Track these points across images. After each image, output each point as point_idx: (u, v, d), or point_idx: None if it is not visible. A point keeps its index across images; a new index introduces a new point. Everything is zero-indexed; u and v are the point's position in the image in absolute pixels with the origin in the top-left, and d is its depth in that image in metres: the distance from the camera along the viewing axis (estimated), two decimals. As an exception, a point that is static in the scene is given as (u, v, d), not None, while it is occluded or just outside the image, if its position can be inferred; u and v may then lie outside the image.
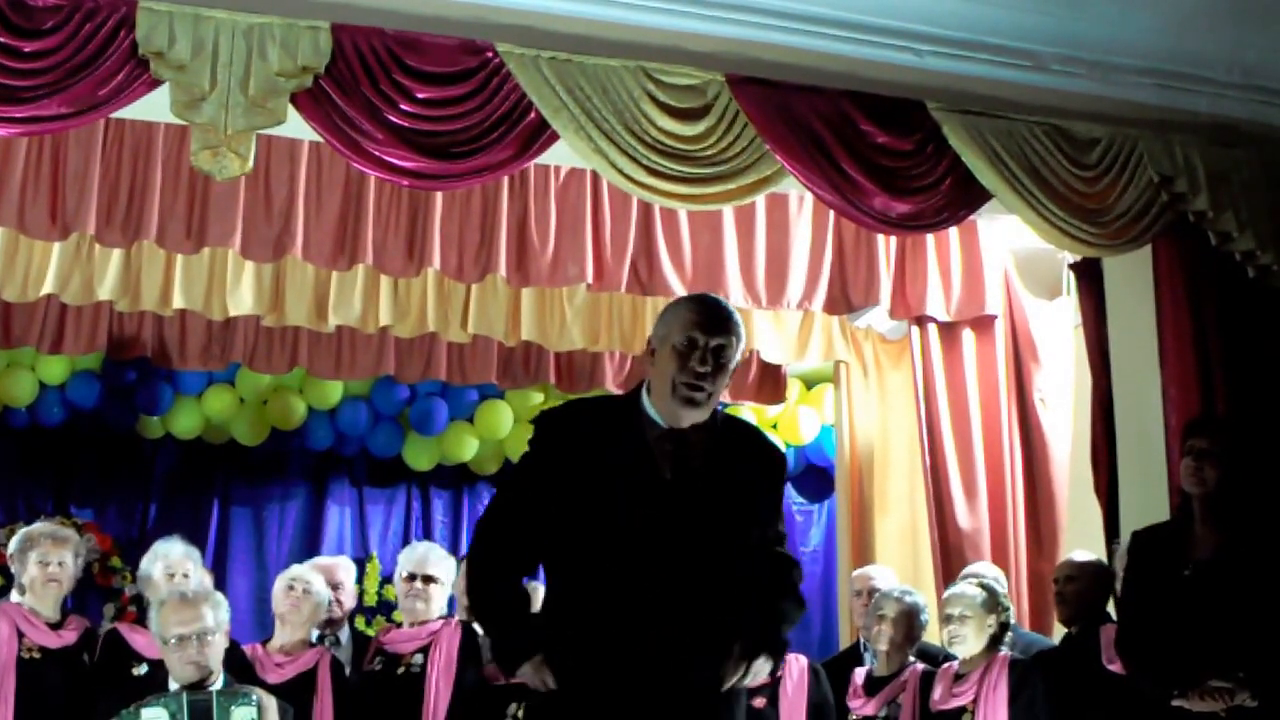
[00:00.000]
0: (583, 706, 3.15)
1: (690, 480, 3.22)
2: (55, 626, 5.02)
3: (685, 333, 3.21)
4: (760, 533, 3.32)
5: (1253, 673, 4.14)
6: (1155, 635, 4.31)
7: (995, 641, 4.98)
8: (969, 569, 5.51)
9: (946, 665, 5.09)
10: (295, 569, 5.50)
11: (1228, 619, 4.19)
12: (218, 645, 4.57)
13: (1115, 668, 4.79)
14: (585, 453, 3.22)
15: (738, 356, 3.28)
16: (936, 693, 5.00)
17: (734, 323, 3.26)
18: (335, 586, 5.64)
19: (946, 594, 5.18)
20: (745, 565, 3.26)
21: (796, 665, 5.20)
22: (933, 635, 5.50)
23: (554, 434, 3.31)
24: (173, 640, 4.48)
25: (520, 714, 4.84)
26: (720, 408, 3.37)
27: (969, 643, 4.96)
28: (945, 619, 5.03)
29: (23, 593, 5.05)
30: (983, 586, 5.07)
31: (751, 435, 3.47)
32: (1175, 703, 4.20)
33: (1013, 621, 5.53)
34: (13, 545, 5.16)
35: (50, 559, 5.02)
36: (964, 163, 5.26)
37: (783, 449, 3.53)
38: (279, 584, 5.37)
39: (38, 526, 5.31)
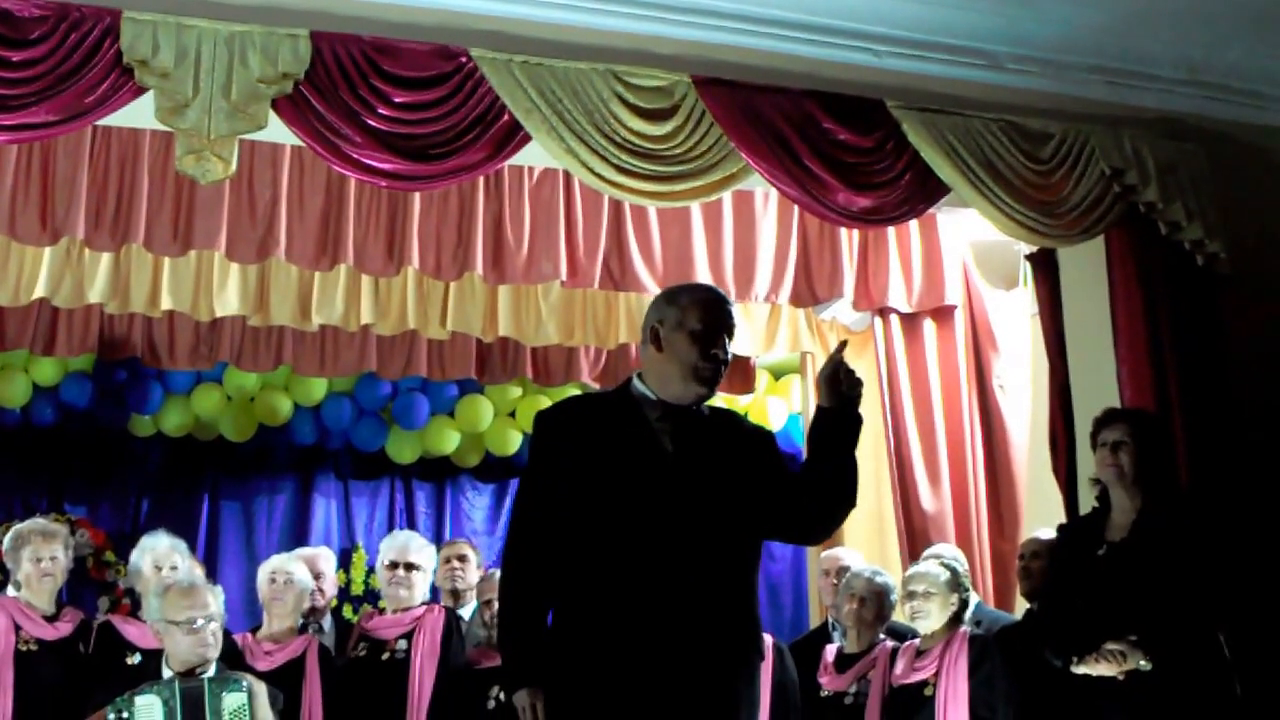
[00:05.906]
0: (598, 688, 3.19)
1: (694, 454, 3.33)
2: (51, 619, 5.09)
3: (703, 319, 3.36)
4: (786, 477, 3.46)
5: (1147, 636, 4.20)
6: (1061, 609, 4.38)
7: (956, 619, 5.07)
8: (931, 550, 5.62)
9: (908, 642, 5.17)
10: (275, 559, 5.61)
11: (1135, 592, 4.25)
12: (219, 632, 4.67)
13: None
14: (589, 440, 3.32)
15: None
16: (899, 668, 5.06)
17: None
18: (317, 576, 5.73)
19: (910, 572, 5.24)
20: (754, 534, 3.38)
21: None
22: (899, 614, 5.64)
23: (556, 427, 3.42)
24: (183, 623, 4.55)
25: (503, 697, 4.90)
26: None
27: (932, 618, 5.03)
28: (909, 595, 5.09)
29: (18, 588, 5.13)
30: (946, 566, 5.16)
31: (737, 416, 3.62)
32: (1074, 669, 4.28)
33: (977, 599, 5.69)
34: (5, 543, 5.25)
35: (43, 554, 5.10)
36: (923, 158, 5.33)
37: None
38: (261, 575, 5.48)
39: (26, 524, 5.35)
